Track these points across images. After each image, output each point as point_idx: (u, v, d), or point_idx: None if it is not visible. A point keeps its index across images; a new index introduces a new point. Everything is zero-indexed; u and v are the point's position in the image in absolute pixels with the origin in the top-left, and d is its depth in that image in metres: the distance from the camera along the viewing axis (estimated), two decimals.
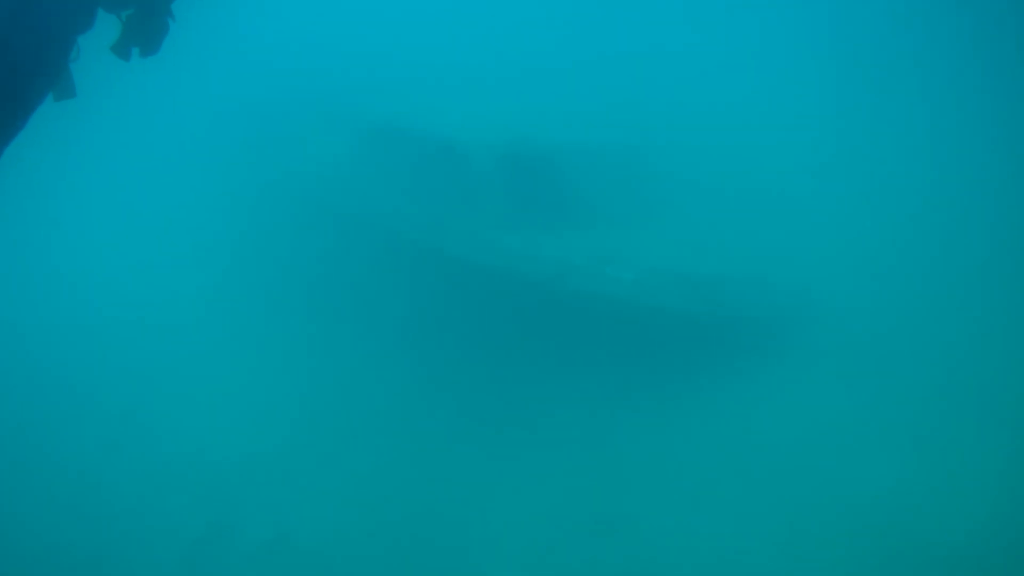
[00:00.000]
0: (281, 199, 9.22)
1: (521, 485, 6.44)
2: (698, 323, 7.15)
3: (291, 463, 6.75)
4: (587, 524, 6.06)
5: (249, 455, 6.83)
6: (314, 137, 9.62)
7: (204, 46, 10.88)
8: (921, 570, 5.33)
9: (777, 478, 6.36)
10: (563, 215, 7.81)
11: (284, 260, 9.14)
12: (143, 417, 7.34)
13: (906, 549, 5.48)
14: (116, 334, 8.68)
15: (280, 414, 7.34)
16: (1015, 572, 5.16)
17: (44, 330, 8.78)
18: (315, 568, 5.74)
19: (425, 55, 10.77)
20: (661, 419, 7.04)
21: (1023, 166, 8.78)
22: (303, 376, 7.79)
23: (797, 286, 7.87)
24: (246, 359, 8.16)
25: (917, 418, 6.77)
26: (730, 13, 11.14)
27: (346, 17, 12.60)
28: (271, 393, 7.59)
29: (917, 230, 8.75)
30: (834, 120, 9.69)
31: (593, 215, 7.88)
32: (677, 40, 10.70)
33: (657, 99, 9.73)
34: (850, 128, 9.67)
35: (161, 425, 7.22)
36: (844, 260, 8.35)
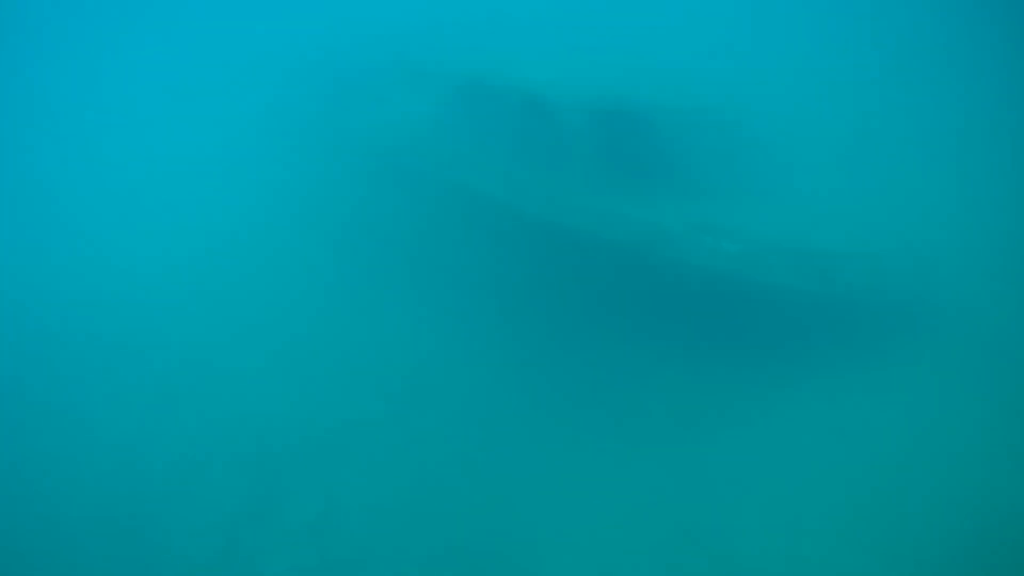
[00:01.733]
0: (364, 161, 8.85)
1: (597, 479, 5.86)
2: (808, 303, 6.43)
3: (343, 437, 6.34)
4: (668, 532, 5.43)
5: (298, 427, 6.43)
6: (398, 96, 9.22)
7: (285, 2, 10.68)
8: None
9: (894, 488, 5.65)
10: (660, 180, 7.14)
11: (365, 225, 8.76)
12: (190, 385, 7.02)
13: None
14: (171, 298, 8.36)
15: (338, 384, 6.92)
16: None
17: (93, 293, 8.57)
18: (358, 550, 5.35)
19: (513, 7, 10.19)
20: (762, 412, 6.36)
21: None
22: (369, 346, 7.34)
23: (920, 268, 7.00)
24: (307, 327, 7.72)
25: None
26: None
27: None
28: (329, 362, 7.17)
29: None
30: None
31: (693, 181, 7.18)
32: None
33: (769, 62, 8.92)
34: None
35: (208, 394, 6.88)
36: (977, 244, 7.43)
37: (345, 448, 6.22)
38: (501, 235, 7.28)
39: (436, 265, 7.86)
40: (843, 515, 5.53)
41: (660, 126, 7.35)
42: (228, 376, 7.08)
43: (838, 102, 8.22)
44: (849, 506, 5.54)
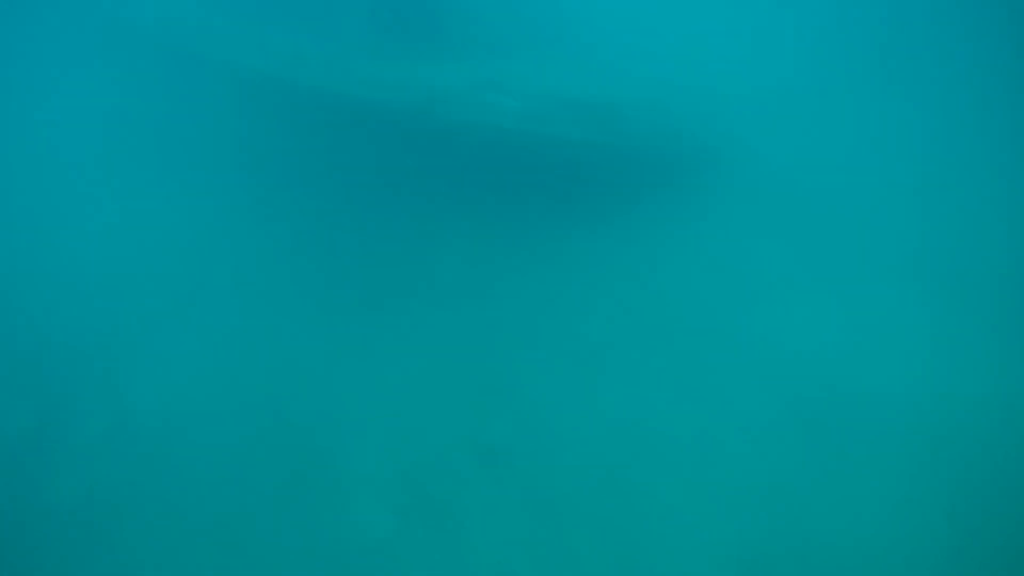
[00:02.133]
0: (124, 41, 7.93)
1: (391, 344, 5.73)
2: (592, 154, 6.41)
3: (124, 341, 5.83)
4: (470, 388, 5.44)
5: (77, 334, 5.87)
6: None
7: None
8: (840, 431, 5.13)
9: (683, 330, 5.88)
10: (437, 41, 6.82)
11: (132, 110, 7.89)
12: None
13: (826, 408, 5.24)
14: None
15: (109, 282, 6.33)
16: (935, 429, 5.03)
17: None
18: (154, 456, 5.03)
19: None
20: (552, 260, 6.39)
21: None
22: (147, 230, 6.73)
23: (704, 117, 7.12)
24: (71, 223, 6.98)
25: (836, 268, 6.34)
26: None
27: None
28: (93, 256, 6.54)
29: (846, 56, 7.99)
30: None
31: (471, 40, 6.91)
32: None
33: None
34: None
35: None
36: (761, 92, 7.60)
37: (129, 352, 5.73)
38: (275, 109, 6.76)
39: (207, 145, 7.24)
40: (634, 353, 5.67)
41: None
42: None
43: None
44: (638, 344, 5.69)
